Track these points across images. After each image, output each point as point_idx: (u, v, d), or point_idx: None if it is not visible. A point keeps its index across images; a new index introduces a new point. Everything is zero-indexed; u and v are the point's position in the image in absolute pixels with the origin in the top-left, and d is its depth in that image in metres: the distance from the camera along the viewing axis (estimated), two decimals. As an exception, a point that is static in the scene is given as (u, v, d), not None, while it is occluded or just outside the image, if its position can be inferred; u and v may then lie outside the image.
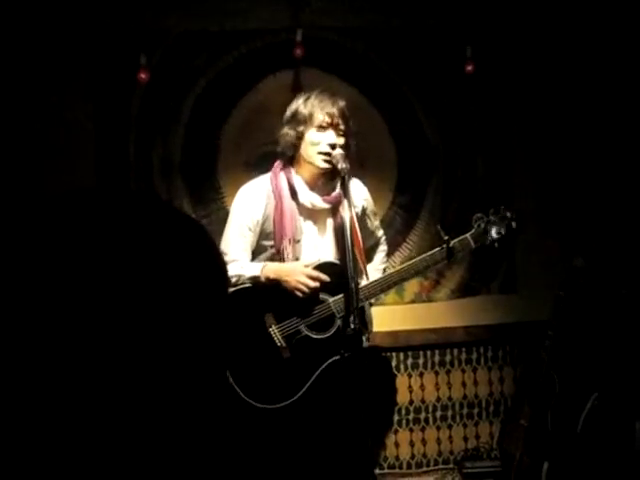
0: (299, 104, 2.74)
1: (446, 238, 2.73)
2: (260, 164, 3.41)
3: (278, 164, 2.82)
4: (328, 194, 2.78)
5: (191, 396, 0.66)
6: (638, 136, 3.68)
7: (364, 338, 2.70)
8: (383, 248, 3.10)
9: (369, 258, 2.95)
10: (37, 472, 0.62)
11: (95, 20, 3.37)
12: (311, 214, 2.81)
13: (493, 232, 2.78)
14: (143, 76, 3.34)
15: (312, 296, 2.70)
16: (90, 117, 3.41)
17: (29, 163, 3.33)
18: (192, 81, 3.50)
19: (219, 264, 0.70)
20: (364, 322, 2.79)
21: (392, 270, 2.89)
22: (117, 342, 0.62)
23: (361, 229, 2.84)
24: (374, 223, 3.05)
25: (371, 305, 2.93)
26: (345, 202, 2.59)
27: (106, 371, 0.61)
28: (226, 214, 3.51)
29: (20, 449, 0.62)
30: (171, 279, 0.64)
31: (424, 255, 2.79)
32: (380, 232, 3.10)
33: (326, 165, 2.69)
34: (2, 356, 0.61)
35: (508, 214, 2.81)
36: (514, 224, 2.80)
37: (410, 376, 3.68)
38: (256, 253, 2.83)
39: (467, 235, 2.78)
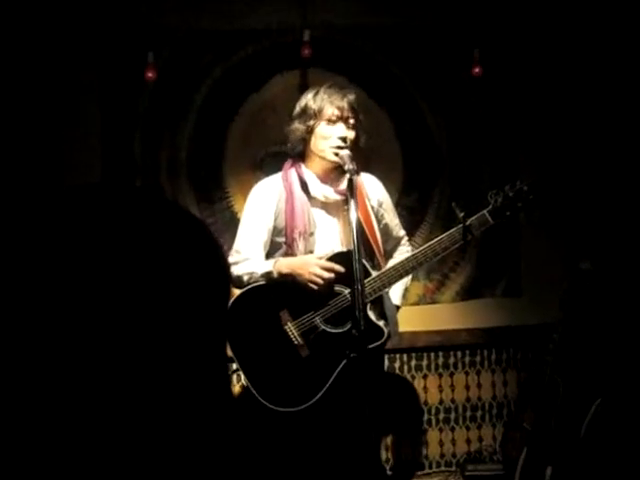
0: (308, 99, 2.72)
1: (462, 215, 2.62)
2: (267, 164, 3.42)
3: (288, 162, 2.81)
4: (340, 186, 2.72)
5: (193, 393, 0.66)
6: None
7: (385, 330, 2.66)
8: (406, 249, 2.97)
9: (391, 258, 2.88)
10: (37, 471, 0.62)
11: (102, 18, 3.37)
12: (326, 207, 2.77)
13: (510, 206, 2.68)
14: (150, 75, 3.33)
15: (327, 288, 2.63)
16: (97, 116, 3.41)
17: (36, 161, 3.33)
18: (199, 80, 3.50)
19: (220, 262, 0.70)
20: (384, 314, 2.73)
21: (409, 254, 2.77)
22: (117, 339, 0.62)
23: (380, 224, 2.83)
24: (394, 220, 2.95)
25: (398, 308, 2.87)
26: (352, 203, 2.52)
27: (107, 369, 0.62)
28: (232, 214, 3.53)
29: (19, 448, 0.62)
30: (172, 276, 0.64)
31: (441, 236, 2.67)
32: (402, 232, 2.99)
33: (337, 159, 2.65)
34: (1, 351, 0.61)
35: (525, 187, 2.69)
36: (531, 197, 2.69)
37: (413, 378, 3.67)
38: (271, 251, 2.78)
39: (484, 212, 2.67)
